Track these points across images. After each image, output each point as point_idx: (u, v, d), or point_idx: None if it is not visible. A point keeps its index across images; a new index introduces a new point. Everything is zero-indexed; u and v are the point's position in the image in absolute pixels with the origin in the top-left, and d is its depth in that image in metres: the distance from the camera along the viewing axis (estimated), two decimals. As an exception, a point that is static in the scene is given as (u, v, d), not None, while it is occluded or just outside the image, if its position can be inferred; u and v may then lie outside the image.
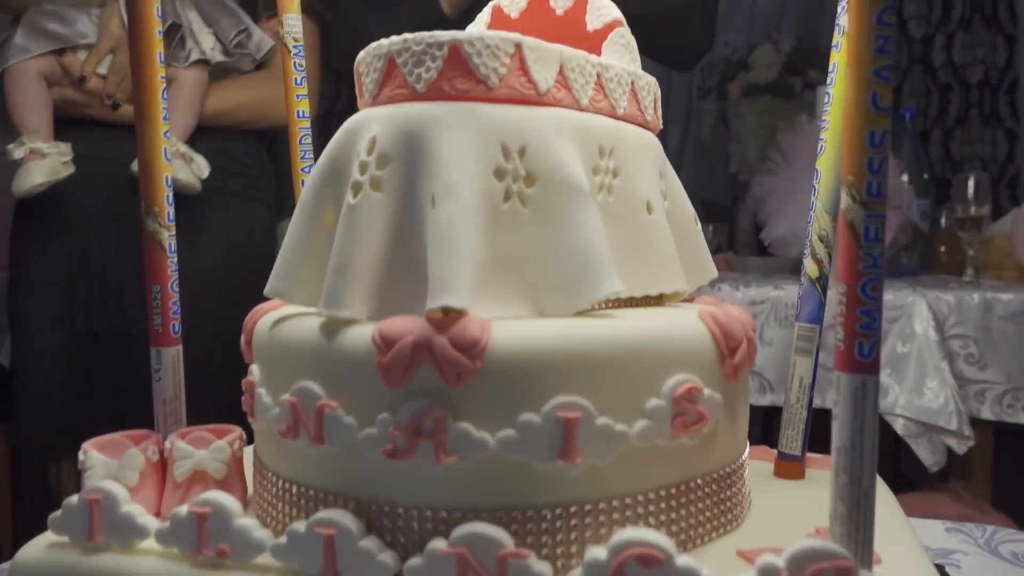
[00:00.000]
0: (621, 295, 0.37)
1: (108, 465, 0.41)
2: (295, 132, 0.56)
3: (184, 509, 0.36)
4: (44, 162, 1.02)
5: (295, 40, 0.56)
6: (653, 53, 1.17)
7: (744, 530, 0.40)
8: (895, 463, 1.62)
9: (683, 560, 0.30)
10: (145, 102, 0.42)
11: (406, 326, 0.34)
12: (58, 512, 0.38)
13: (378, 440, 0.34)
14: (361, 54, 0.40)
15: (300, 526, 0.34)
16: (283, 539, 0.35)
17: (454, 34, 0.37)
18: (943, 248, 1.64)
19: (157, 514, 0.41)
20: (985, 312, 1.22)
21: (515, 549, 0.31)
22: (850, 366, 0.31)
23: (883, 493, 0.46)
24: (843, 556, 0.29)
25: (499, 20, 0.48)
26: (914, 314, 1.22)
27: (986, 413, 1.23)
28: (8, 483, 1.22)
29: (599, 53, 0.45)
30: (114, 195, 1.07)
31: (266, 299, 0.42)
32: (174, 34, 1.04)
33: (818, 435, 0.47)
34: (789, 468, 0.48)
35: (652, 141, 0.45)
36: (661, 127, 0.47)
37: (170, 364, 0.44)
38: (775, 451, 0.51)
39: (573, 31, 0.46)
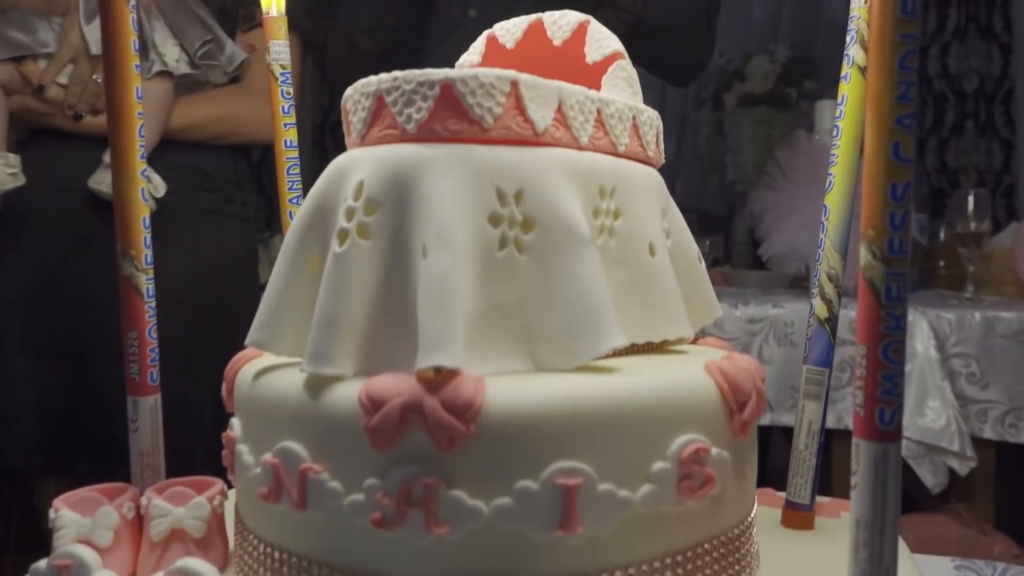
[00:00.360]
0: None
1: (80, 525, 0.39)
2: (282, 162, 0.54)
3: (159, 578, 0.34)
4: None
5: (282, 67, 0.54)
6: (653, 67, 1.15)
7: (753, 592, 0.38)
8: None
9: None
10: (122, 143, 0.40)
11: (395, 386, 0.32)
12: (27, 577, 0.36)
13: (365, 507, 0.32)
14: (349, 91, 0.38)
15: (282, 599, 0.32)
16: (264, 612, 0.33)
17: (447, 72, 0.35)
18: (942, 263, 1.63)
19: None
20: (987, 331, 1.21)
21: (512, 630, 0.29)
22: (871, 434, 0.29)
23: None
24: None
25: (494, 50, 0.46)
26: (915, 333, 1.20)
27: (988, 433, 1.21)
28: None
29: (599, 86, 0.43)
30: (78, 210, 1.04)
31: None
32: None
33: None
34: (798, 518, 0.46)
35: (654, 177, 0.43)
36: (664, 161, 0.45)
37: (148, 414, 0.42)
38: (781, 495, 0.49)
39: (572, 63, 0.44)
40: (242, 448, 0.37)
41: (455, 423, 0.31)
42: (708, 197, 2.76)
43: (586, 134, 0.39)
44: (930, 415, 1.17)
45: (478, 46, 0.46)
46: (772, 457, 1.79)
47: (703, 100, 2.74)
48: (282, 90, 0.54)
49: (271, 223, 1.89)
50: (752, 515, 0.39)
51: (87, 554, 0.36)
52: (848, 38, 0.45)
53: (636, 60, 0.44)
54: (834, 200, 0.46)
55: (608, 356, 0.38)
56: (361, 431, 0.32)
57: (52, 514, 0.39)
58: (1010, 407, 1.20)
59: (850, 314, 1.06)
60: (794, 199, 1.35)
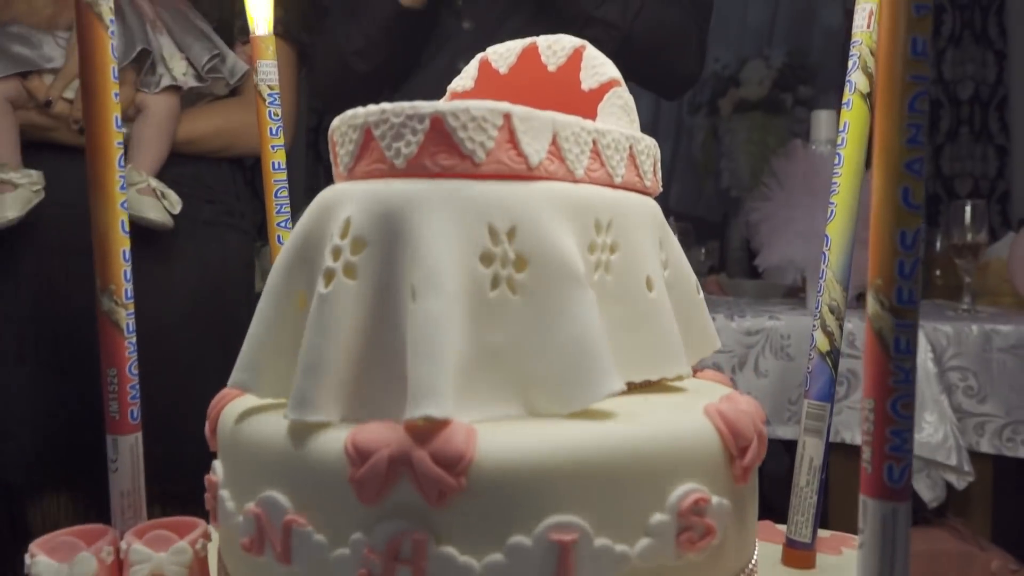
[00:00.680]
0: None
1: (57, 573, 0.37)
2: (270, 185, 0.53)
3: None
4: (16, 193, 0.97)
5: (270, 88, 0.52)
6: (644, 81, 1.14)
7: (754, 640, 0.37)
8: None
9: None
10: (100, 174, 0.38)
11: (382, 437, 0.30)
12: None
13: (351, 563, 0.30)
14: (336, 122, 0.37)
15: (264, 659, 0.31)
16: (245, 671, 0.31)
17: (436, 105, 0.34)
18: (938, 272, 1.62)
19: (111, 623, 0.38)
20: (984, 344, 1.20)
21: None
22: (879, 492, 0.28)
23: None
24: None
25: (487, 75, 0.44)
26: (912, 346, 1.19)
27: (985, 447, 1.20)
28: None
29: (594, 114, 0.41)
30: (80, 224, 1.03)
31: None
32: (144, 60, 1.00)
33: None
34: (799, 557, 0.45)
35: (652, 208, 0.42)
36: (661, 189, 0.44)
37: (128, 453, 0.40)
38: (780, 529, 0.48)
39: (566, 90, 0.42)
40: (224, 494, 0.35)
41: (445, 477, 0.29)
42: (703, 202, 2.76)
43: (581, 166, 0.37)
44: (927, 429, 1.17)
45: (471, 71, 0.45)
46: (767, 464, 1.78)
47: (699, 105, 2.74)
48: (270, 111, 0.52)
49: (262, 232, 1.87)
50: (753, 561, 0.38)
51: (62, 606, 0.34)
52: (850, 63, 0.44)
53: (626, 74, 0.43)
54: (835, 230, 0.44)
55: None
56: (347, 482, 0.30)
57: (28, 560, 0.38)
58: (1008, 421, 1.19)
59: (847, 326, 1.05)
60: (790, 209, 1.34)
